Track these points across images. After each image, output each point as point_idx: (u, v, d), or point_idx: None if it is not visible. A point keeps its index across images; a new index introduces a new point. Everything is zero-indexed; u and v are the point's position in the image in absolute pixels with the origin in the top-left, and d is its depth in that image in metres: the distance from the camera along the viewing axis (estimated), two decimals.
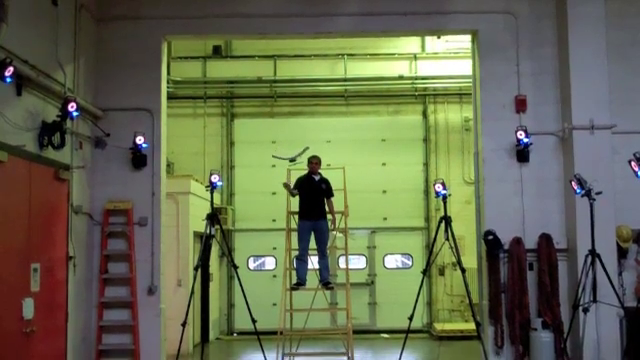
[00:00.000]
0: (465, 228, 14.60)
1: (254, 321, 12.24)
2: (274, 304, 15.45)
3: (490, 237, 11.35)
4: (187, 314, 11.97)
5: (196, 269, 12.54)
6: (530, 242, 11.35)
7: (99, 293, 11.57)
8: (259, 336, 12.09)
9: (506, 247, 11.38)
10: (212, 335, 16.68)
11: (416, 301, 12.21)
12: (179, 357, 11.65)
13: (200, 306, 15.69)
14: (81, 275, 11.14)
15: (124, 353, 11.49)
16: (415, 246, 18.47)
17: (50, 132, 9.92)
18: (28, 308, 9.32)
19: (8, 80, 8.33)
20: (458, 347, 14.56)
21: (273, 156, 14.49)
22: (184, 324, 11.80)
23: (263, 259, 18.73)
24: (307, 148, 12.26)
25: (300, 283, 11.53)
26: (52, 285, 10.18)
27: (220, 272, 18.22)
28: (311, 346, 12.87)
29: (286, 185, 11.79)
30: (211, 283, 16.64)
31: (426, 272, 12.79)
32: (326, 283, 11.72)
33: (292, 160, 13.20)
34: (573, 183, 9.93)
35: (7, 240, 8.95)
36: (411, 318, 12.04)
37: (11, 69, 8.27)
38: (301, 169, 12.24)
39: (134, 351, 11.44)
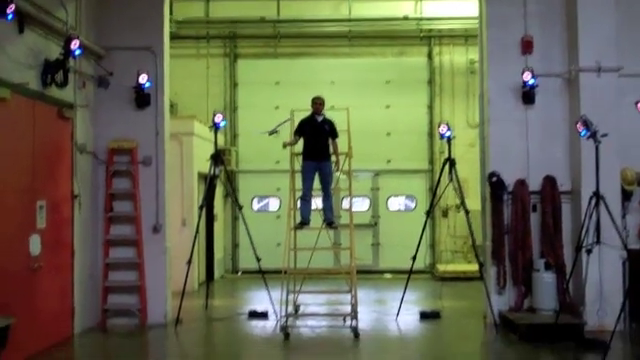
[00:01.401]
0: (469, 171, 14.62)
1: (258, 259, 12.41)
2: (278, 244, 15.57)
3: (494, 179, 11.35)
4: (192, 252, 12.15)
5: (201, 208, 12.67)
6: (534, 184, 11.35)
7: (104, 231, 11.67)
8: (264, 274, 12.27)
9: (510, 189, 11.38)
10: (217, 274, 16.87)
11: (419, 242, 12.34)
12: (184, 294, 11.82)
13: (205, 245, 15.82)
14: (86, 213, 11.21)
15: (130, 290, 11.65)
16: (419, 188, 18.53)
17: (53, 70, 9.87)
18: (35, 245, 9.42)
19: (10, 17, 8.23)
20: (460, 288, 14.72)
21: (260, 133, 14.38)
22: (189, 262, 11.99)
23: (267, 200, 18.82)
24: (289, 119, 12.25)
25: (304, 223, 11.57)
26: (58, 223, 10.25)
27: (224, 213, 18.35)
28: (315, 285, 12.99)
29: (287, 144, 11.75)
30: (215, 223, 16.75)
31: (430, 213, 12.89)
32: (330, 223, 11.78)
33: (271, 133, 13.22)
34: (579, 124, 9.87)
35: (12, 178, 8.99)
36: (414, 258, 12.19)
37: (13, 6, 8.16)
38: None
39: (140, 288, 11.59)
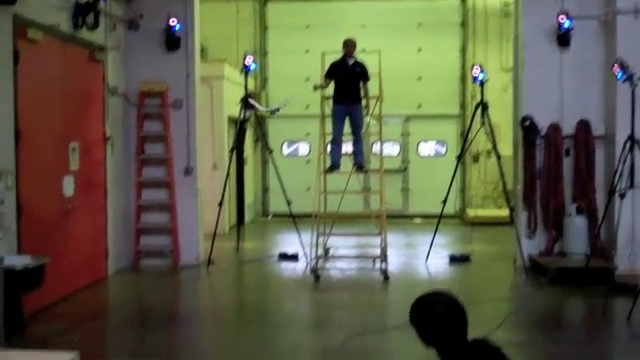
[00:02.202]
0: (501, 115, 14.44)
1: (289, 202, 12.47)
2: (308, 189, 15.60)
3: (527, 123, 11.22)
4: (223, 194, 12.26)
5: (231, 151, 12.73)
6: (568, 128, 11.19)
7: (137, 173, 11.79)
8: (294, 217, 12.35)
9: (543, 133, 11.25)
10: (247, 217, 17.00)
11: (450, 186, 12.31)
12: (216, 236, 11.97)
13: (235, 189, 15.92)
14: (119, 155, 11.32)
15: (162, 231, 11.82)
16: (449, 134, 18.40)
17: (84, 12, 9.85)
18: (68, 186, 9.55)
19: None
20: (490, 233, 14.70)
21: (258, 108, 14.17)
22: (220, 204, 12.11)
23: (297, 145, 18.84)
24: (288, 101, 12.26)
25: (334, 167, 11.57)
26: (90, 164, 10.37)
27: (254, 157, 18.41)
28: (344, 229, 13.06)
29: (318, 87, 11.66)
30: (246, 167, 16.82)
31: (461, 158, 12.84)
32: (360, 167, 11.76)
33: (273, 112, 13.14)
34: (615, 67, 9.66)
35: (45, 119, 9.08)
36: (444, 202, 12.18)
37: None
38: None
39: (172, 229, 11.75)
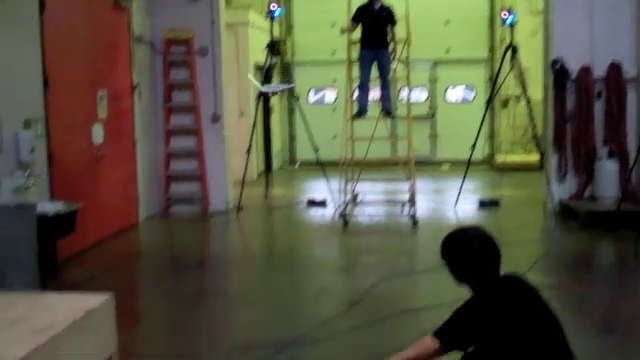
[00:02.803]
0: (530, 59, 14.15)
1: (316, 149, 12.45)
2: (334, 136, 15.55)
3: (557, 66, 11.03)
4: (250, 142, 12.25)
5: (258, 98, 12.69)
6: (599, 71, 10.98)
7: (165, 121, 11.83)
8: (322, 165, 12.33)
9: (574, 76, 11.05)
10: (275, 165, 17.03)
11: (479, 131, 12.20)
12: (244, 184, 12.02)
13: (262, 137, 15.91)
14: (146, 103, 11.34)
15: (191, 178, 11.89)
16: (478, 78, 18.14)
17: None
18: (97, 134, 9.60)
19: None
20: (519, 178, 14.58)
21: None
22: (248, 151, 12.13)
23: (323, 92, 18.71)
24: (292, 86, 12.10)
25: (361, 112, 11.49)
26: (119, 112, 10.40)
27: (281, 105, 18.34)
28: (373, 175, 13.02)
29: (345, 30, 11.50)
30: (272, 115, 16.77)
31: (490, 101, 12.67)
32: (388, 112, 11.67)
33: (274, 93, 12.92)
34: None
35: (72, 68, 9.08)
36: (473, 146, 12.08)
37: None
38: None
39: (200, 176, 11.81)
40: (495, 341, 3.21)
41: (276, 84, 12.93)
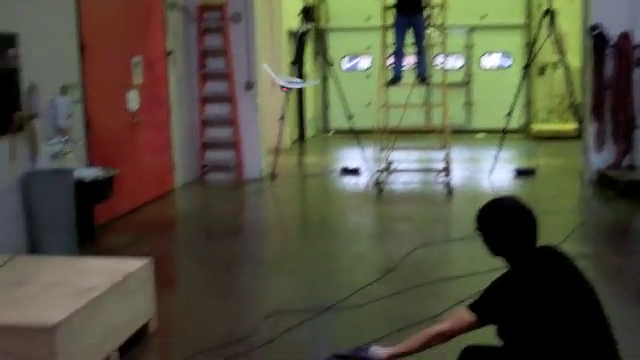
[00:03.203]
0: (568, 25, 13.88)
1: (350, 117, 12.39)
2: (368, 104, 15.49)
3: (596, 32, 10.80)
4: (284, 110, 12.23)
5: (291, 65, 12.64)
6: (639, 37, 10.73)
7: (199, 88, 11.84)
8: (355, 132, 12.28)
9: (613, 42, 10.82)
10: (309, 133, 17.00)
11: (515, 99, 12.03)
12: (278, 151, 12.03)
13: (296, 104, 15.87)
14: (181, 70, 11.35)
15: (226, 146, 11.93)
16: (514, 45, 17.84)
17: None
18: (132, 100, 9.64)
19: None
20: (555, 147, 14.40)
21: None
22: (282, 118, 12.12)
23: (357, 59, 18.57)
24: (304, 83, 11.99)
25: (396, 79, 11.38)
26: (153, 79, 10.43)
27: (314, 72, 18.24)
28: (407, 142, 12.94)
29: None
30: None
31: (527, 68, 12.47)
32: (423, 78, 11.55)
33: (289, 87, 12.69)
34: None
35: (107, 34, 9.09)
36: (509, 115, 11.93)
37: None
38: None
39: (235, 144, 11.85)
40: (531, 313, 3.17)
41: (296, 79, 12.78)
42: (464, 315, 3.33)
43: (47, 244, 6.81)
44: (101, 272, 4.87)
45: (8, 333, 3.93)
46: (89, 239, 7.62)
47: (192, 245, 8.21)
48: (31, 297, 4.35)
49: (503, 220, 3.39)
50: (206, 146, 11.99)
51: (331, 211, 10.13)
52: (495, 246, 3.40)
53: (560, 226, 8.04)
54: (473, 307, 3.33)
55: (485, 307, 3.29)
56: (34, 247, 6.92)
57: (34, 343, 3.88)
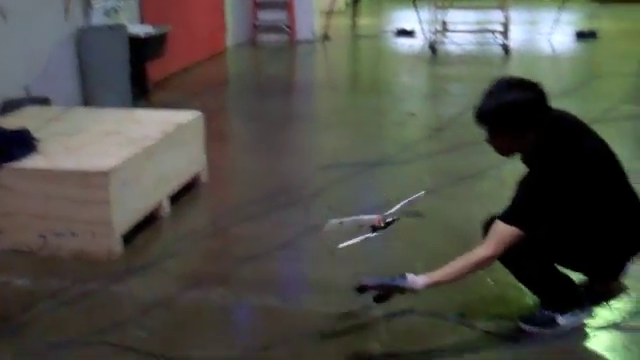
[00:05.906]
0: None
1: None
2: None
3: None
4: None
5: None
6: None
7: None
8: None
9: None
10: None
11: None
12: (332, 13, 11.79)
13: None
14: None
15: (279, 6, 11.79)
16: None
17: None
18: None
19: None
20: (621, 10, 13.80)
21: None
22: None
23: None
24: None
25: None
26: None
27: None
28: (464, 2, 12.52)
29: None
30: None
31: None
32: None
33: None
34: None
35: None
36: None
37: None
38: None
39: (287, 4, 11.74)
40: (590, 183, 2.97)
41: None
42: (505, 232, 2.94)
43: (101, 99, 6.89)
44: (154, 122, 4.95)
45: (65, 178, 4.06)
46: (142, 95, 7.70)
47: (243, 103, 8.25)
48: (86, 145, 4.47)
49: (523, 100, 3.01)
50: (259, 6, 11.83)
51: (383, 72, 10.01)
52: (517, 133, 3.05)
53: (617, 88, 7.83)
54: (515, 220, 2.94)
55: (531, 215, 2.95)
56: (89, 102, 7.03)
57: (90, 188, 4.01)
